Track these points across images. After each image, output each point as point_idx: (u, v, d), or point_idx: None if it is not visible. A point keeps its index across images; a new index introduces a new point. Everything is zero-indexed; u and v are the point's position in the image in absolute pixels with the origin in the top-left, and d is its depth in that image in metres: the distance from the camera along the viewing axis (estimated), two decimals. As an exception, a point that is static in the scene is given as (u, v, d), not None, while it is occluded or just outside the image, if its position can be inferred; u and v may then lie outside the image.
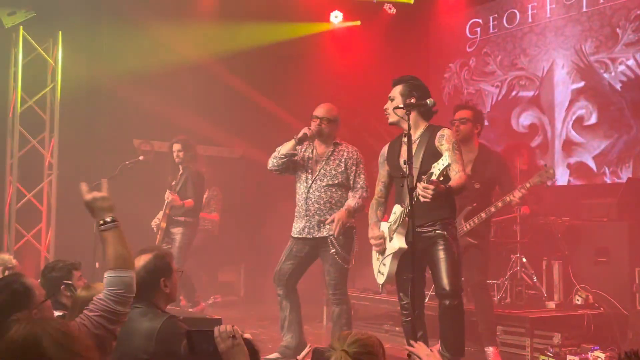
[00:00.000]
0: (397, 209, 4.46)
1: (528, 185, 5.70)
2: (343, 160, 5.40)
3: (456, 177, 4.15)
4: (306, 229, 5.41)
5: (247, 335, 2.55)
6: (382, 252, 4.54)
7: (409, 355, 2.65)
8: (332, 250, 5.24)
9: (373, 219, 4.70)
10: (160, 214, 7.12)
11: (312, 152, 5.51)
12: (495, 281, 6.66)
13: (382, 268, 4.54)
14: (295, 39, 9.46)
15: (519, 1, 8.50)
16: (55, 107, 8.08)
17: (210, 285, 8.90)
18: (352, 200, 5.30)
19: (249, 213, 9.20)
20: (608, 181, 7.45)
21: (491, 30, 8.90)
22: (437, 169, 3.89)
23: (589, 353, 5.59)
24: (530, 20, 8.41)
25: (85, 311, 2.64)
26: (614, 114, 7.45)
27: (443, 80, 9.41)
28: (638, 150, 7.20)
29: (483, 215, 5.54)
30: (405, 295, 4.47)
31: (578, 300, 6.29)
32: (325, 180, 5.37)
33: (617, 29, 7.44)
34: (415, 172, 4.16)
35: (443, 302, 4.32)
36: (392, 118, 4.44)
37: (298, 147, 5.46)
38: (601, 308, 6.18)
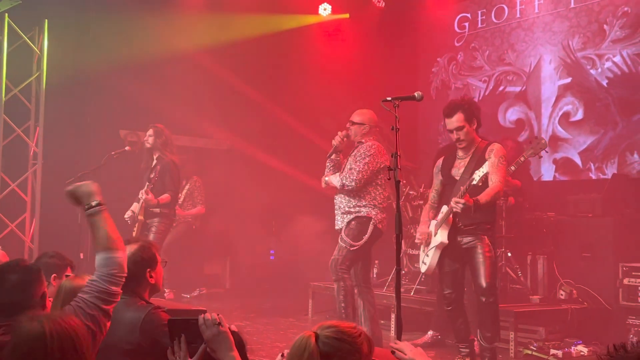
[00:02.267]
0: (444, 209, 5.04)
1: (522, 158, 5.99)
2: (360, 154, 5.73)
3: (488, 188, 4.73)
4: (336, 221, 5.82)
5: (233, 327, 2.54)
6: (427, 244, 5.15)
7: (392, 352, 2.63)
8: (342, 233, 5.67)
9: (424, 218, 5.37)
10: (135, 206, 7.05)
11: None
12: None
13: (425, 259, 5.17)
14: (284, 31, 9.43)
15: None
16: (40, 96, 8.00)
17: (196, 277, 8.88)
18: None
19: (235, 205, 9.17)
20: (593, 177, 7.49)
21: (479, 25, 8.91)
22: (477, 175, 4.65)
23: (572, 347, 5.65)
24: (518, 15, 8.43)
25: (79, 294, 2.65)
26: (600, 110, 7.49)
27: (431, 75, 9.42)
28: (623, 146, 7.24)
29: None
30: (446, 286, 5.09)
31: (562, 295, 6.34)
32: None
33: (605, 26, 7.47)
34: (463, 181, 4.92)
35: (480, 298, 4.88)
36: (466, 142, 5.06)
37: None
38: (585, 303, 6.24)
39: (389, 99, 4.13)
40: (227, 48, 8.94)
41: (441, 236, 4.98)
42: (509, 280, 6.72)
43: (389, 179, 3.95)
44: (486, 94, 8.60)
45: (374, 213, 5.60)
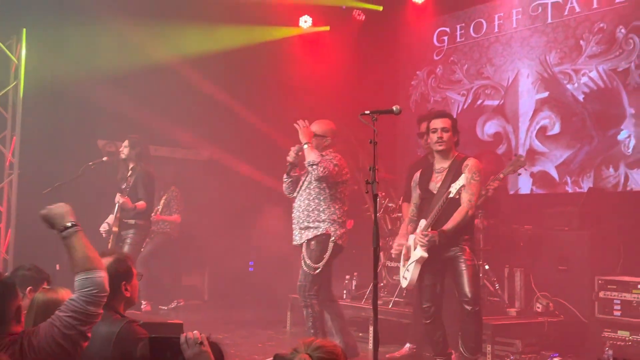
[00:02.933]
0: (422, 223, 5.12)
1: (501, 175, 6.07)
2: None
3: (455, 212, 4.85)
4: (294, 236, 5.75)
5: (212, 339, 2.53)
6: (406, 259, 5.15)
7: None
8: (302, 255, 5.61)
9: (403, 231, 5.39)
10: (110, 218, 6.93)
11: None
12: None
13: (405, 273, 5.16)
14: (265, 42, 9.44)
15: (486, 11, 8.61)
16: (17, 105, 7.92)
17: (174, 289, 8.82)
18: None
19: (214, 216, 9.14)
20: (570, 190, 7.57)
21: (458, 39, 8.99)
22: (454, 188, 4.74)
23: (549, 360, 5.69)
24: (496, 30, 8.52)
25: (57, 312, 2.62)
26: (577, 125, 7.58)
27: (410, 88, 9.47)
28: (599, 160, 7.33)
29: None
30: (426, 299, 5.12)
31: (539, 307, 6.38)
32: (306, 189, 5.70)
33: (581, 41, 7.57)
34: (440, 195, 4.99)
35: (465, 307, 4.91)
36: (446, 145, 5.12)
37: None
38: (561, 316, 6.29)
39: (367, 112, 4.16)
40: (206, 59, 8.92)
41: (420, 251, 4.99)
42: (486, 293, 6.75)
43: (366, 192, 3.92)
44: (464, 107, 8.67)
45: (333, 229, 5.57)
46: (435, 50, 9.24)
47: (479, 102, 8.62)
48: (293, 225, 5.73)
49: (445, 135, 5.04)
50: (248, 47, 9.20)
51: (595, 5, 7.48)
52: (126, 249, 6.82)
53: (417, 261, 5.01)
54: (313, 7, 9.63)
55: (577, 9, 7.65)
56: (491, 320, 5.92)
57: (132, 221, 6.95)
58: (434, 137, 5.09)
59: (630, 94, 7.11)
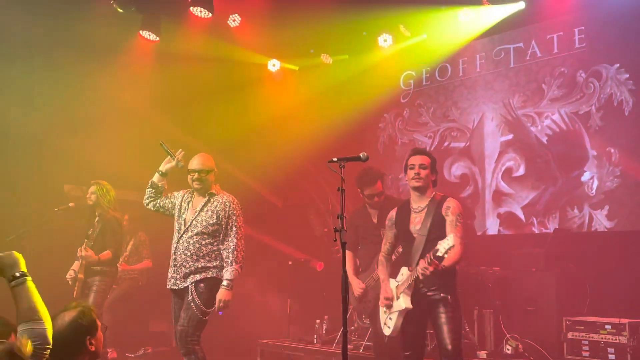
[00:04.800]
0: (405, 271, 4.90)
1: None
2: (216, 211, 5.33)
3: (452, 252, 4.46)
4: (172, 280, 5.31)
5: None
6: (389, 307, 4.96)
7: None
8: (189, 298, 5.18)
9: (383, 276, 5.11)
10: (76, 265, 6.74)
11: (189, 203, 5.49)
12: (428, 330, 6.70)
13: (389, 322, 4.99)
14: (233, 83, 9.48)
15: (450, 55, 8.77)
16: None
17: (141, 335, 8.64)
18: (228, 273, 5.22)
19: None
20: (536, 231, 7.66)
21: (424, 83, 9.15)
22: (442, 247, 4.39)
23: (519, 403, 5.68)
24: (461, 74, 8.69)
25: None
26: (541, 166, 7.72)
27: (378, 130, 9.57)
28: (564, 201, 7.46)
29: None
30: (407, 347, 4.93)
31: (508, 349, 6.39)
32: (195, 231, 5.31)
33: (543, 85, 7.76)
34: (421, 239, 4.81)
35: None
36: (423, 182, 4.90)
37: (177, 194, 5.57)
38: (531, 357, 6.30)
39: (335, 159, 4.17)
40: (172, 100, 8.93)
41: (404, 302, 4.80)
42: (456, 335, 6.75)
43: (335, 240, 3.89)
44: (432, 149, 8.77)
45: (218, 275, 5.28)
46: (402, 93, 9.37)
47: (446, 144, 8.74)
48: (173, 269, 5.36)
49: (423, 172, 4.87)
50: (215, 87, 9.24)
51: (555, 50, 7.70)
52: (92, 296, 6.66)
53: (401, 312, 4.86)
54: (282, 50, 9.71)
55: (539, 54, 7.86)
56: (461, 363, 5.90)
57: (97, 268, 6.76)
58: (411, 173, 4.91)
59: (592, 137, 7.28)
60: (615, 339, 5.86)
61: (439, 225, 4.78)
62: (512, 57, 8.13)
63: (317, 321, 7.55)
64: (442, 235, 4.60)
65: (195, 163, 5.43)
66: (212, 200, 5.39)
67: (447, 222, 4.74)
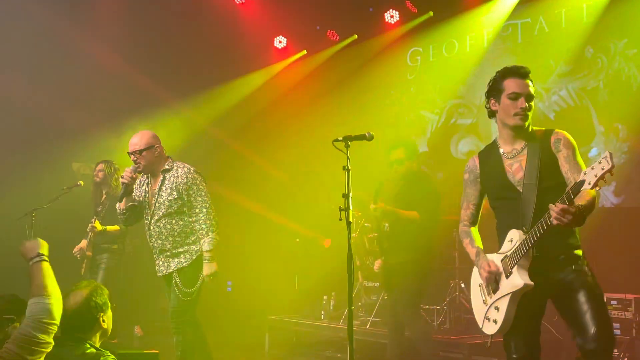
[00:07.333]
0: (515, 235, 3.42)
1: None
2: (174, 187, 4.93)
3: (583, 191, 3.06)
4: (157, 267, 5.09)
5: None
6: (493, 291, 3.50)
7: None
8: (173, 282, 4.96)
9: (476, 247, 3.65)
10: (83, 242, 6.72)
11: (148, 186, 5.10)
12: (434, 306, 6.77)
13: (493, 313, 3.50)
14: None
15: (457, 31, 8.70)
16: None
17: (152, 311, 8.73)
18: (206, 245, 4.92)
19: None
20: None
21: (431, 59, 9.10)
22: (590, 176, 2.99)
23: (525, 377, 5.70)
24: (468, 49, 8.64)
25: (5, 344, 2.66)
26: (548, 143, 7.69)
27: (385, 107, 9.55)
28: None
29: None
30: (518, 347, 3.54)
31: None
32: (160, 213, 4.95)
33: (551, 61, 7.72)
34: (531, 190, 3.39)
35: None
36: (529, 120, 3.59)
37: (136, 184, 5.10)
38: (536, 332, 6.29)
39: (340, 138, 4.09)
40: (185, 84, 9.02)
41: (521, 276, 3.35)
42: (462, 311, 6.81)
43: (340, 220, 3.84)
44: (438, 125, 8.76)
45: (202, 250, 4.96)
46: (409, 69, 9.34)
47: (453, 120, 8.72)
48: (156, 255, 5.10)
49: (529, 106, 3.59)
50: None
51: (563, 26, 7.64)
52: (101, 273, 6.71)
53: (515, 293, 3.38)
54: (287, 28, 9.69)
55: (547, 29, 7.80)
56: (468, 339, 5.96)
57: (105, 245, 6.80)
58: (512, 106, 3.57)
59: (600, 112, 7.26)
60: (621, 315, 5.89)
61: (552, 168, 3.42)
62: (520, 33, 8.07)
63: (325, 297, 7.61)
64: (559, 182, 3.38)
65: (129, 146, 4.95)
66: (167, 176, 4.97)
67: (561, 160, 3.40)
